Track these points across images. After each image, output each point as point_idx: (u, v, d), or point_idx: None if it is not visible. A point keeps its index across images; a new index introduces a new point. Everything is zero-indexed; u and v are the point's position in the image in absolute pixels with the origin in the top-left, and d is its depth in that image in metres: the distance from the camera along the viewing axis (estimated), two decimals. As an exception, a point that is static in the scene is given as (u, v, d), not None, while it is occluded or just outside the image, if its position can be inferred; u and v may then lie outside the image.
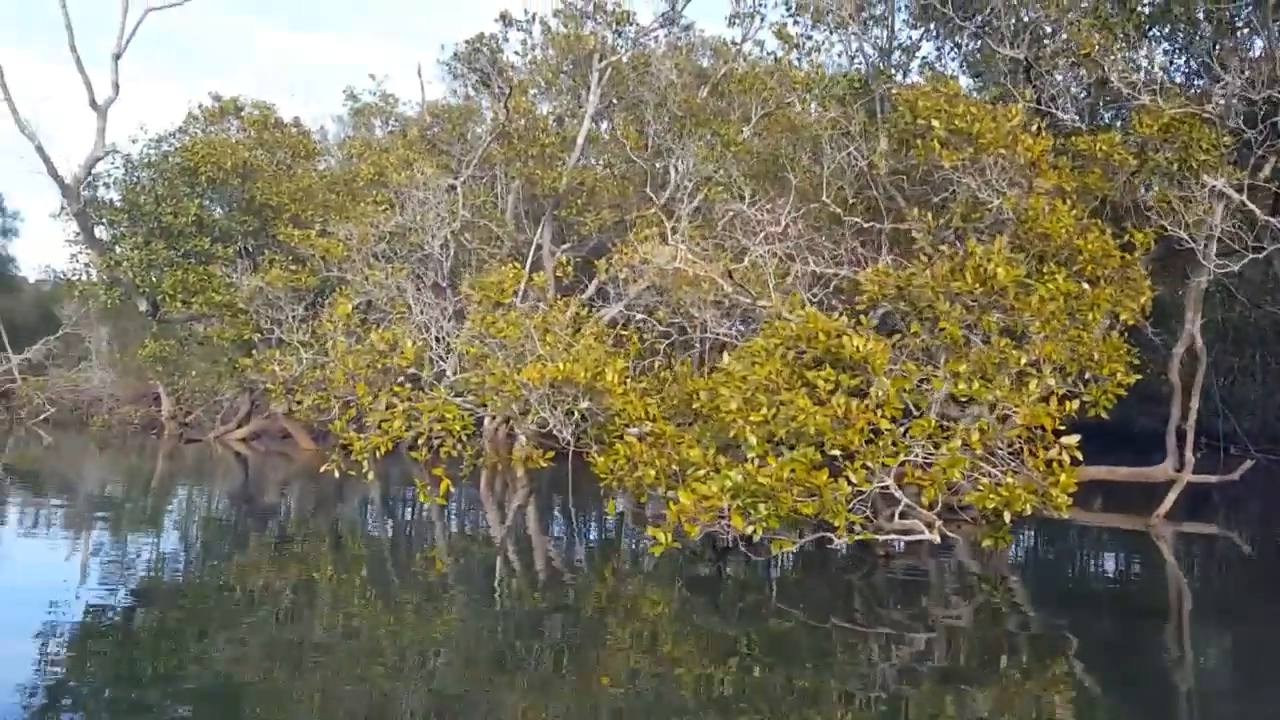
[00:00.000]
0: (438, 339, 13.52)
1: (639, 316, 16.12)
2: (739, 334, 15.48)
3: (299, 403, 17.22)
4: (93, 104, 19.79)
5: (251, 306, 19.88)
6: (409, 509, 17.14)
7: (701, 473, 8.76)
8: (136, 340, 33.77)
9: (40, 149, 19.74)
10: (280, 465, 22.73)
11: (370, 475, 10.83)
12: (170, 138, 21.49)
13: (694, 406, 10.85)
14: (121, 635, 8.21)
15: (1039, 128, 14.41)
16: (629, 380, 10.80)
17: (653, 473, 9.89)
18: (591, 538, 14.38)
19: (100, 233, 21.48)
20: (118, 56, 20.35)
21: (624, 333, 13.18)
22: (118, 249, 20.57)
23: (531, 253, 21.20)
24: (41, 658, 7.30)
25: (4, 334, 37.90)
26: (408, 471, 18.75)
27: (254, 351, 19.82)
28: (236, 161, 20.87)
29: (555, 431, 10.59)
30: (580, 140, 22.60)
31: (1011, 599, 10.69)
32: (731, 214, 18.09)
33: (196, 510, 16.16)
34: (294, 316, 19.07)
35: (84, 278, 23.55)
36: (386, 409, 10.50)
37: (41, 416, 29.51)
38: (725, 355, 9.62)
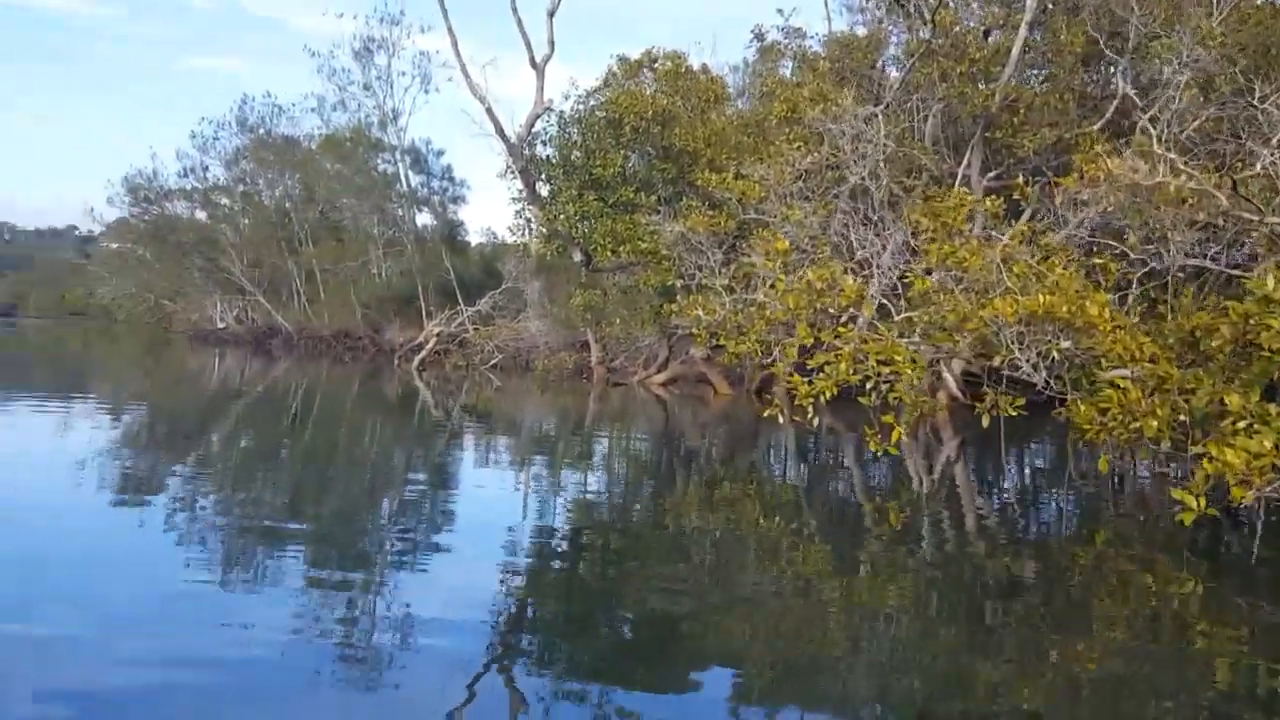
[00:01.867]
0: (878, 275, 12.62)
1: (1099, 243, 13.89)
2: (1233, 260, 12.82)
3: (720, 347, 17.18)
4: (532, 63, 21.27)
5: (674, 253, 20.27)
6: (829, 455, 16.44)
7: (1243, 424, 6.93)
8: (565, 292, 36.85)
9: (490, 110, 21.66)
10: (698, 409, 23.23)
11: (814, 420, 10.13)
12: (594, 94, 22.57)
13: (1201, 345, 8.84)
14: (568, 563, 8.39)
15: None
16: (1114, 315, 9.02)
17: (1154, 424, 8.13)
18: (1041, 496, 12.71)
19: (540, 189, 23.23)
20: (552, 13, 21.61)
21: (1098, 261, 11.22)
22: (555, 203, 22.05)
23: (958, 180, 19.39)
24: (503, 582, 7.59)
25: (457, 290, 43.29)
26: (841, 418, 18.09)
27: (676, 298, 20.28)
28: (656, 110, 21.38)
29: (1026, 376, 9.15)
30: (1015, 52, 20.18)
31: None
32: (1211, 116, 14.98)
33: (625, 449, 16.76)
34: (714, 260, 19.07)
35: (525, 234, 25.72)
36: (828, 351, 9.70)
37: (491, 363, 33.06)
38: (1270, 279, 7.56)
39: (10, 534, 8.23)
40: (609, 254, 21.58)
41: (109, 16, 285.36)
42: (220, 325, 55.16)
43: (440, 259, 44.35)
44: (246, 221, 55.45)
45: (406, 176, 49.54)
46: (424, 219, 50.85)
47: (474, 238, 52.24)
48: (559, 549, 8.91)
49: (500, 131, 21.73)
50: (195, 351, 47.03)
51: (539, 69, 21.76)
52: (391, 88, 48.03)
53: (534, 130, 22.41)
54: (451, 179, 50.40)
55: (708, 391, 25.92)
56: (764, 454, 16.71)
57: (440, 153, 50.56)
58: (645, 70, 24.53)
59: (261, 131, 54.21)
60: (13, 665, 5.35)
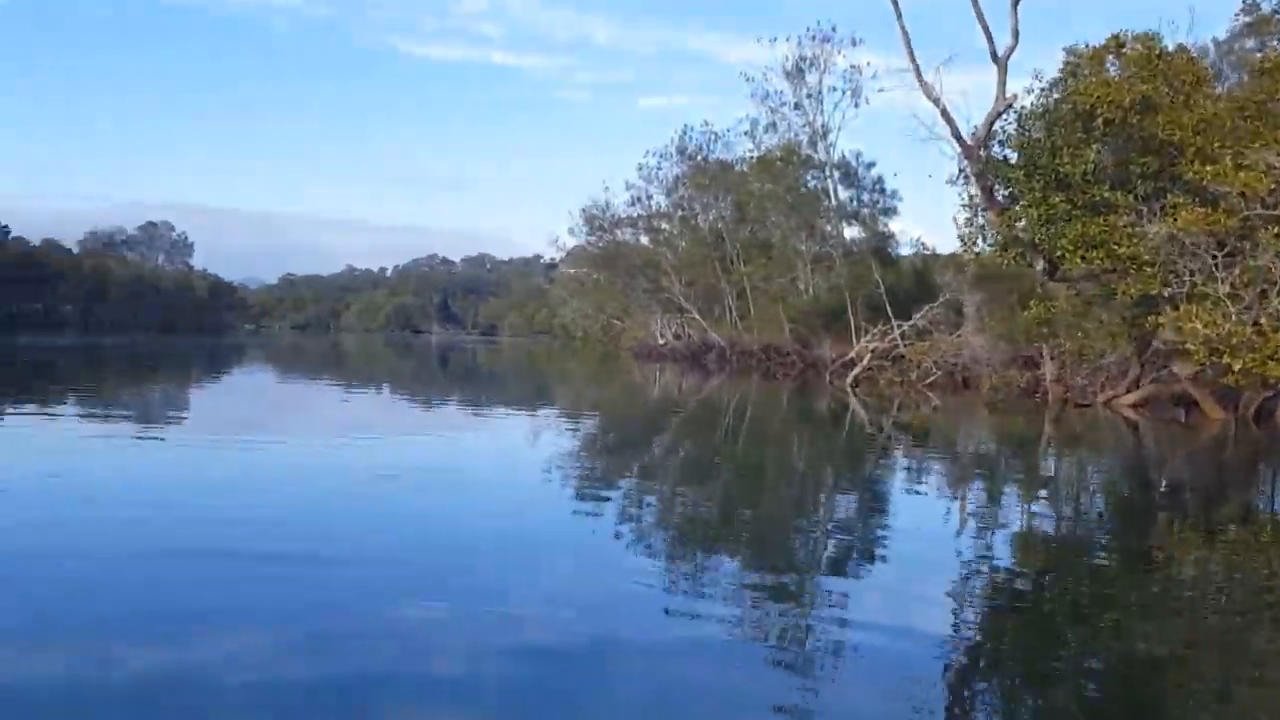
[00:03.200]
0: None
1: None
2: None
3: (1217, 365, 14.41)
4: (993, 56, 19.38)
5: (1160, 257, 17.45)
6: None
7: None
8: (1006, 304, 34.01)
9: (945, 112, 20.00)
10: (1181, 435, 19.90)
11: None
12: (1056, 85, 20.09)
13: None
14: (1031, 603, 7.28)
15: None
16: None
17: None
18: None
19: (996, 194, 21.24)
20: (1017, 2, 19.47)
21: None
22: (1015, 207, 19.85)
23: None
24: (959, 622, 6.66)
25: (887, 304, 41.96)
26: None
27: (1158, 308, 17.46)
28: (1133, 98, 18.50)
29: None
30: None
31: None
32: None
33: (1091, 479, 14.60)
34: (1213, 265, 16.10)
35: (978, 242, 23.80)
36: None
37: (929, 380, 31.40)
38: None
39: (484, 526, 9.07)
40: (1078, 260, 18.94)
41: (560, 67, 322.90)
42: (660, 342, 59.00)
43: (869, 272, 43.36)
44: (684, 244, 58.79)
45: (835, 191, 49.34)
46: (852, 232, 50.30)
47: (904, 250, 50.54)
48: (1012, 583, 7.79)
49: (956, 134, 19.98)
50: (640, 366, 50.67)
51: (1001, 63, 19.64)
52: (821, 104, 48.20)
53: (992, 130, 20.31)
54: (882, 190, 49.28)
55: (1191, 415, 22.24)
56: (1271, 494, 13.71)
57: (870, 165, 49.47)
58: (1111, 57, 21.62)
59: (699, 158, 57.20)
60: (489, 633, 5.88)
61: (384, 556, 7.65)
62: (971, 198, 21.90)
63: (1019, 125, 20.15)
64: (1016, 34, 19.29)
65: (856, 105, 47.46)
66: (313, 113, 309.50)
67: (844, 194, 49.63)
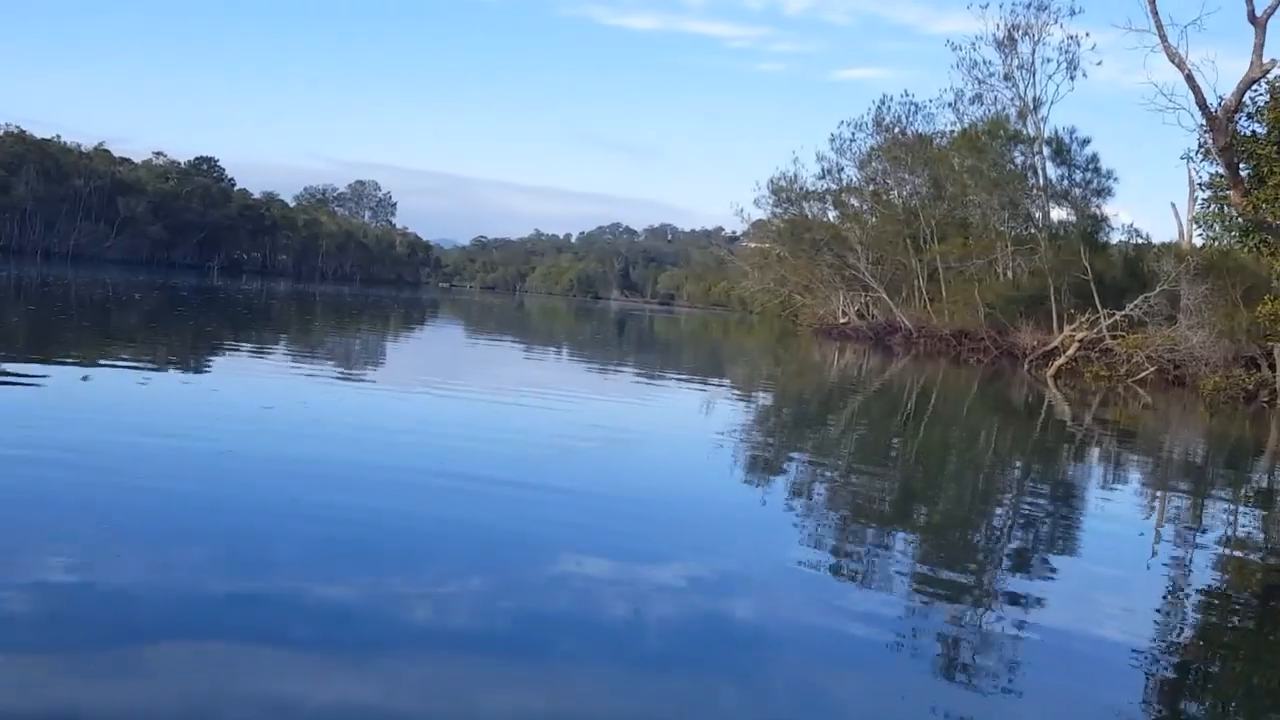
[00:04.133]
0: None
1: None
2: None
3: None
4: (1251, 17, 16.79)
5: None
6: None
7: None
8: (1228, 298, 30.61)
9: (1190, 77, 17.42)
10: None
11: None
12: None
13: None
14: (1239, 632, 6.35)
15: None
16: None
17: None
18: None
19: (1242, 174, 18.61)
20: (1280, -48, 16.75)
21: None
22: (1265, 188, 17.24)
23: None
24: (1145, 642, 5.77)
25: (1095, 292, 38.76)
26: None
27: None
28: None
29: None
30: None
31: None
32: None
33: None
34: None
35: (1213, 225, 21.20)
36: None
37: (1140, 375, 28.68)
38: None
39: (655, 499, 8.77)
40: None
41: (756, 37, 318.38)
42: (843, 320, 57.19)
43: (1077, 257, 40.17)
44: (874, 220, 56.55)
45: (1044, 169, 45.92)
46: (1060, 214, 46.76)
47: (1115, 236, 46.56)
48: (1214, 606, 6.78)
49: (1201, 102, 17.42)
50: (820, 344, 49.27)
51: (1260, 23, 16.95)
52: (1034, 76, 44.83)
53: (1241, 101, 17.61)
54: (1096, 170, 45.30)
55: None
56: None
57: (1085, 141, 45.54)
58: None
59: (896, 131, 54.71)
60: (645, 597, 5.77)
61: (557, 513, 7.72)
62: (1211, 177, 19.33)
63: (1272, 97, 17.52)
64: None
65: (1073, 78, 43.90)
66: (512, 81, 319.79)
67: (1053, 172, 46.13)
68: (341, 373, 17.71)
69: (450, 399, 14.47)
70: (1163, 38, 17.11)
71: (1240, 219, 17.80)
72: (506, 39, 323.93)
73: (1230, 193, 16.82)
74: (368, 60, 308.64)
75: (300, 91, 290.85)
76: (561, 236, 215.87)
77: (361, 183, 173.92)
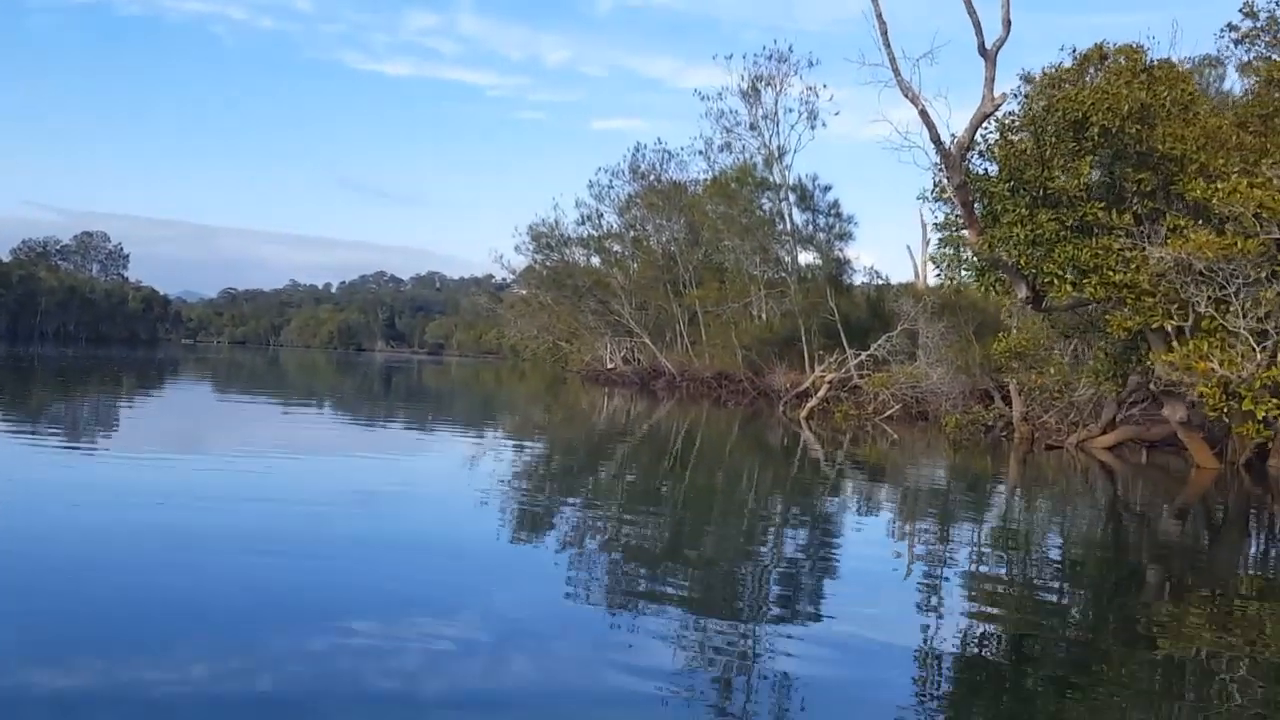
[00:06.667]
0: None
1: None
2: None
3: (1238, 409, 12.72)
4: (981, 49, 16.93)
5: (1161, 286, 15.68)
6: None
7: None
8: (963, 335, 32.64)
9: (924, 113, 17.48)
10: (1165, 483, 18.36)
11: None
12: (1043, 92, 18.08)
13: None
14: (999, 672, 6.29)
15: None
16: None
17: None
18: None
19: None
20: (1008, -15, 17.16)
21: None
22: (998, 226, 17.61)
23: None
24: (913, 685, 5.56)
25: (842, 332, 40.53)
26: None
27: (1148, 344, 15.80)
28: (1133, 106, 16.57)
29: None
30: None
31: None
32: None
33: (1068, 530, 13.03)
34: (1229, 294, 14.44)
35: (951, 266, 22.09)
36: None
37: (886, 414, 29.70)
38: None
39: (422, 556, 8.62)
40: (1067, 288, 16.92)
41: (515, 86, 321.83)
42: (609, 366, 57.05)
43: (824, 299, 41.97)
44: (635, 265, 57.06)
45: (790, 214, 47.99)
46: (807, 258, 48.91)
47: (858, 277, 49.20)
48: (973, 642, 6.83)
49: (935, 138, 17.50)
50: (587, 390, 48.69)
51: (990, 56, 17.10)
52: (778, 126, 46.93)
53: (974, 139, 17.96)
54: (838, 214, 47.92)
55: (1173, 461, 20.77)
56: (1267, 550, 12.18)
57: (827, 188, 48.04)
58: (1092, 69, 20.06)
59: (651, 178, 55.59)
60: (428, 659, 5.66)
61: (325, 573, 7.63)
62: (946, 216, 19.95)
63: (1001, 135, 18.25)
64: (1008, 24, 16.87)
65: (813, 127, 46.33)
66: (258, 124, 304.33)
67: (799, 217, 48.35)
68: (64, 443, 16.27)
69: (190, 465, 13.72)
70: (896, 71, 17.30)
71: (976, 258, 18.16)
72: (251, 80, 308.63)
73: (966, 232, 17.18)
74: (97, 102, 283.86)
75: (16, 135, 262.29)
76: (321, 286, 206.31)
77: (89, 234, 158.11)
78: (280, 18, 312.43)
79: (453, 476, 14.75)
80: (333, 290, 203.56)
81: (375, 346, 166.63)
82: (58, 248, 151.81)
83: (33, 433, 17.37)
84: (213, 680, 5.12)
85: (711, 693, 5.32)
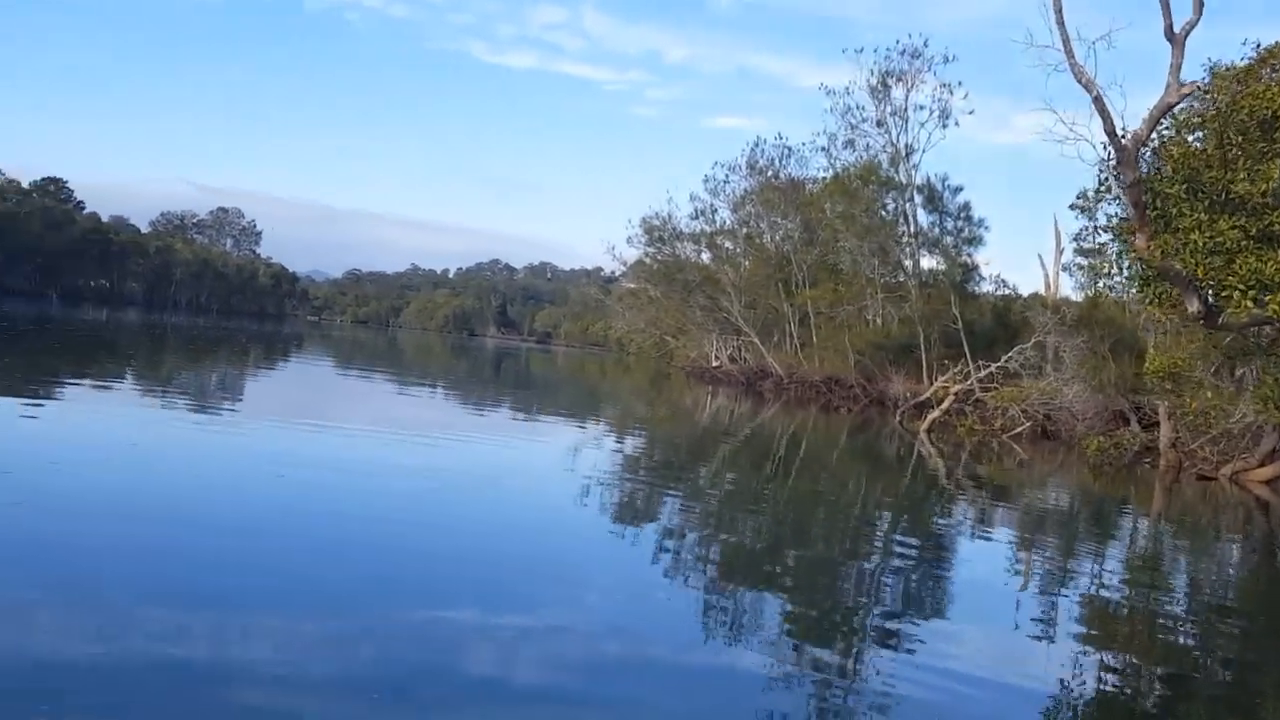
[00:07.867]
0: None
1: None
2: None
3: None
4: (1168, 33, 14.67)
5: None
6: None
7: None
8: (1099, 351, 30.26)
9: (1099, 100, 15.33)
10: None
11: None
12: (1227, 87, 15.89)
13: None
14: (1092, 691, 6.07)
15: None
16: None
17: None
18: None
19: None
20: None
21: None
22: (1170, 232, 15.45)
23: None
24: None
25: (964, 341, 38.33)
26: None
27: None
28: None
29: None
30: None
31: None
32: None
33: (1201, 564, 11.46)
34: None
35: (1114, 271, 20.04)
36: None
37: (1015, 431, 27.69)
38: None
39: (516, 540, 8.88)
40: (1248, 304, 14.79)
41: (633, 81, 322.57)
42: (715, 363, 55.90)
43: (948, 306, 39.80)
44: (746, 263, 55.67)
45: (915, 215, 45.79)
46: (930, 262, 46.63)
47: (984, 286, 46.60)
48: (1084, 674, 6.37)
49: (1110, 130, 15.15)
50: (691, 387, 47.71)
51: (1178, 40, 14.72)
52: (906, 124, 44.74)
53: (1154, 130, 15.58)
54: (968, 217, 45.38)
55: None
56: None
57: (958, 189, 45.58)
58: (1267, 72, 17.73)
59: (769, 174, 54.05)
60: (514, 645, 5.82)
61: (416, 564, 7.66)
62: (1109, 218, 17.83)
63: (1177, 132, 16.20)
64: (1201, 6, 14.51)
65: (944, 126, 43.95)
66: (387, 112, 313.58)
67: (925, 219, 46.06)
68: (198, 408, 17.42)
69: (318, 436, 14.58)
70: (1069, 54, 15.09)
71: (1144, 267, 15.86)
72: (381, 69, 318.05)
73: (1137, 236, 14.90)
74: (239, 85, 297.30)
75: (165, 114, 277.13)
76: (439, 271, 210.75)
77: (224, 209, 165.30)
78: (411, 6, 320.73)
79: (563, 465, 15.29)
80: (450, 275, 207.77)
81: (487, 332, 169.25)
82: (195, 221, 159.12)
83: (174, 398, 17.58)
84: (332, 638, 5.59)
85: (804, 712, 5.19)
